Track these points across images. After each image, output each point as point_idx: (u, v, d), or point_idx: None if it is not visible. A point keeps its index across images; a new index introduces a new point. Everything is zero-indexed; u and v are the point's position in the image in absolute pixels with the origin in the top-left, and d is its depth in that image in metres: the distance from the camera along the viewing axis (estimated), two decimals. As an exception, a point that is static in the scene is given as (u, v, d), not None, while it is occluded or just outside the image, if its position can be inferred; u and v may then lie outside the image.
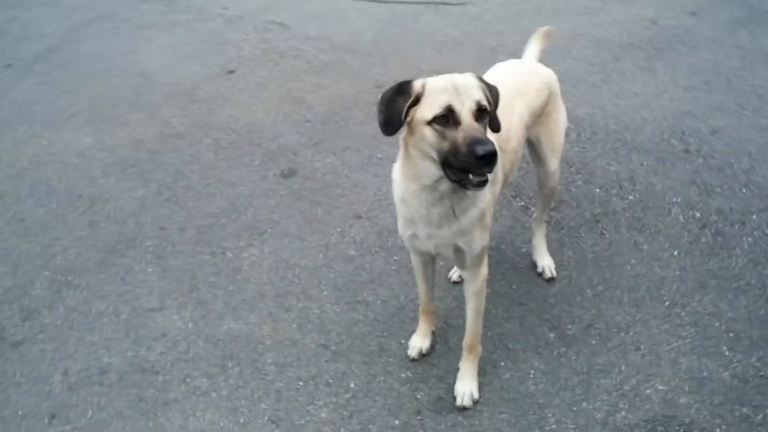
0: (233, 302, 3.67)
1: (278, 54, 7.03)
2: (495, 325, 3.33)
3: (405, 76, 3.06)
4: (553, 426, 2.80)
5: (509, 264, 3.77)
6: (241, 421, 2.97)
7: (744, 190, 4.14)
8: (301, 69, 6.63)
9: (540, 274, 3.63)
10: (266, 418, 2.97)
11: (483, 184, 2.23)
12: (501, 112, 2.76)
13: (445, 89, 2.26)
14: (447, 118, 2.23)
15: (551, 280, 3.60)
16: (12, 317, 3.75)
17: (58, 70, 7.48)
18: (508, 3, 7.86)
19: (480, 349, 2.99)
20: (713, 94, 5.37)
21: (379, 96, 2.35)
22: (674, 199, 4.13)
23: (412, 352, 3.18)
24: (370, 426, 2.88)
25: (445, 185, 2.37)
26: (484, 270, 2.78)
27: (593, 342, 3.19)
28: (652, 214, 4.03)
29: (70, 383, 3.28)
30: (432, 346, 3.23)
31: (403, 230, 2.72)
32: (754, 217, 3.94)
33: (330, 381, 3.12)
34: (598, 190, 4.30)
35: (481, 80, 2.41)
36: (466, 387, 2.93)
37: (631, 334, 3.22)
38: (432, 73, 3.12)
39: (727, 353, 3.06)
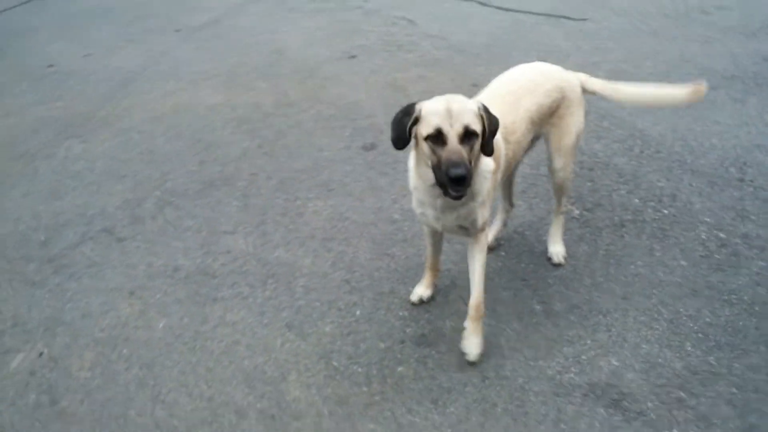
0: (289, 237, 4.44)
1: (396, 46, 7.77)
2: (492, 290, 3.82)
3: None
4: (507, 372, 3.28)
5: (526, 247, 4.23)
6: (265, 321, 3.71)
7: (780, 222, 4.29)
8: (412, 61, 7.31)
9: (549, 259, 4.06)
10: (284, 323, 3.69)
11: (458, 198, 2.70)
12: (509, 108, 3.27)
13: (438, 112, 2.66)
14: (438, 137, 2.64)
15: (558, 266, 4.01)
16: (123, 220, 4.76)
17: (214, 39, 8.71)
18: (628, 23, 8.06)
19: (483, 309, 3.40)
20: (795, 132, 5.41)
21: (392, 117, 2.81)
22: (706, 219, 4.35)
23: (413, 297, 3.76)
24: (361, 344, 3.51)
25: None
26: (486, 231, 3.28)
27: (572, 318, 3.60)
28: (678, 228, 4.29)
29: (150, 273, 4.19)
30: (432, 297, 3.79)
31: (416, 207, 3.22)
32: (779, 246, 4.10)
33: (341, 307, 3.79)
34: (637, 200, 4.61)
35: (482, 107, 2.77)
36: (471, 345, 3.35)
37: (608, 318, 3.58)
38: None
39: (689, 349, 3.36)
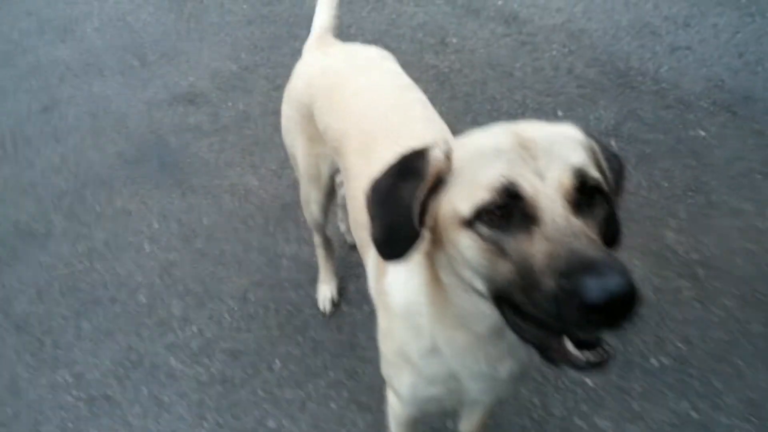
0: None
1: None
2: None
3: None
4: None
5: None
6: None
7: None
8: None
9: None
10: None
11: (600, 362, 1.05)
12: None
13: (497, 151, 1.11)
14: (508, 210, 1.07)
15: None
16: None
17: None
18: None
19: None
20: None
21: (368, 187, 1.24)
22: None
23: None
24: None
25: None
26: None
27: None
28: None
29: None
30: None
31: (420, 391, 1.57)
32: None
33: None
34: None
35: (590, 135, 1.25)
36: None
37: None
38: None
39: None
